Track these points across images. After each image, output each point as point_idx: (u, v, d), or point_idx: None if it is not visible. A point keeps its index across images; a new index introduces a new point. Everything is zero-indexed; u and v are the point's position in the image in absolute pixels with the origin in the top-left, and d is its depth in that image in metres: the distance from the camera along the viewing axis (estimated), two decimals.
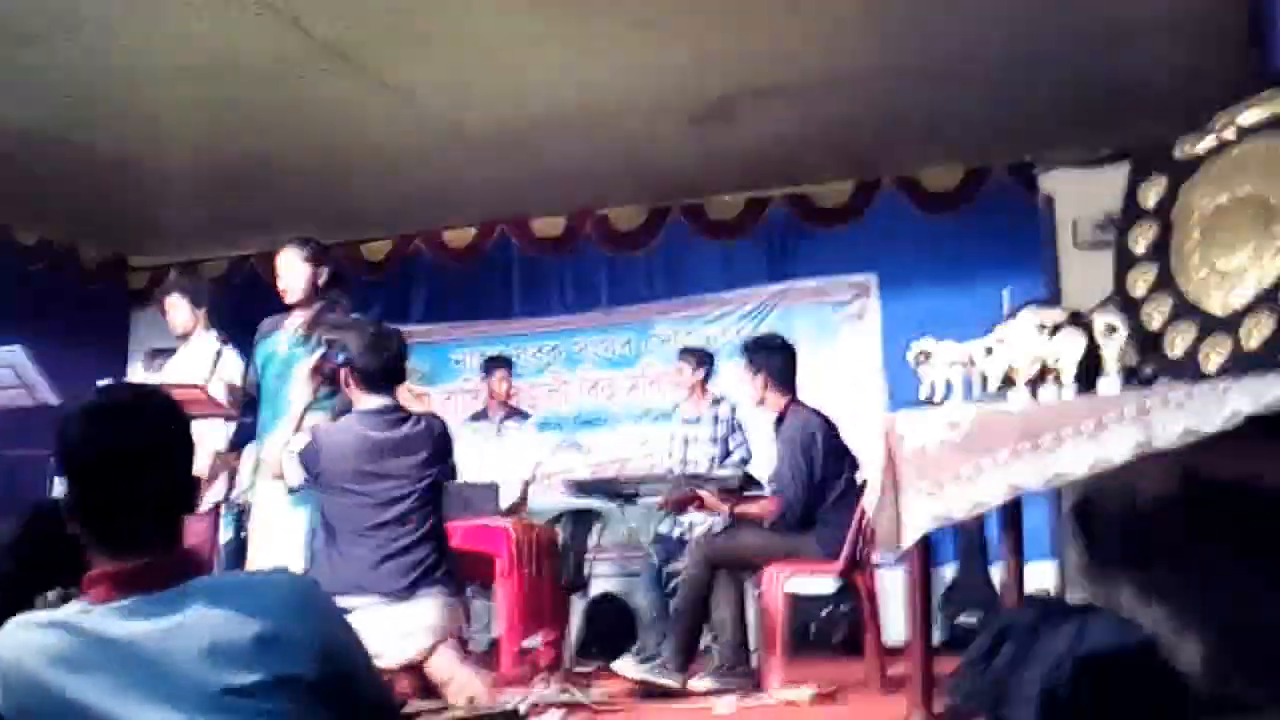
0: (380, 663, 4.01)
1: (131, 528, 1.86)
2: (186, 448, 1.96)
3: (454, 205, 8.48)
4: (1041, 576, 5.70)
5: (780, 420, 5.53)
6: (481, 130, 6.91)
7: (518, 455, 7.37)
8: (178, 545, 1.93)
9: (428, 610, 4.17)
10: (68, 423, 1.91)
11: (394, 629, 4.05)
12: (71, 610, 1.86)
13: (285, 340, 4.92)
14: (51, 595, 2.09)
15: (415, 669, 4.17)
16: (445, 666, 4.13)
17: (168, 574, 1.86)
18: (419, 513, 4.25)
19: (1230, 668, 3.98)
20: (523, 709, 3.74)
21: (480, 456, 7.27)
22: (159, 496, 1.89)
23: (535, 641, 6.08)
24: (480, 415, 7.73)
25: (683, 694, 5.09)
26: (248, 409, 5.04)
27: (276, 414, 4.73)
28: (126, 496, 1.86)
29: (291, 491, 4.45)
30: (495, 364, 7.79)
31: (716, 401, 7.24)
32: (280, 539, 4.66)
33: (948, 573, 7.28)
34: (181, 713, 1.78)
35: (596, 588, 7.89)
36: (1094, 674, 3.48)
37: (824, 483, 5.34)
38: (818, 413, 5.59)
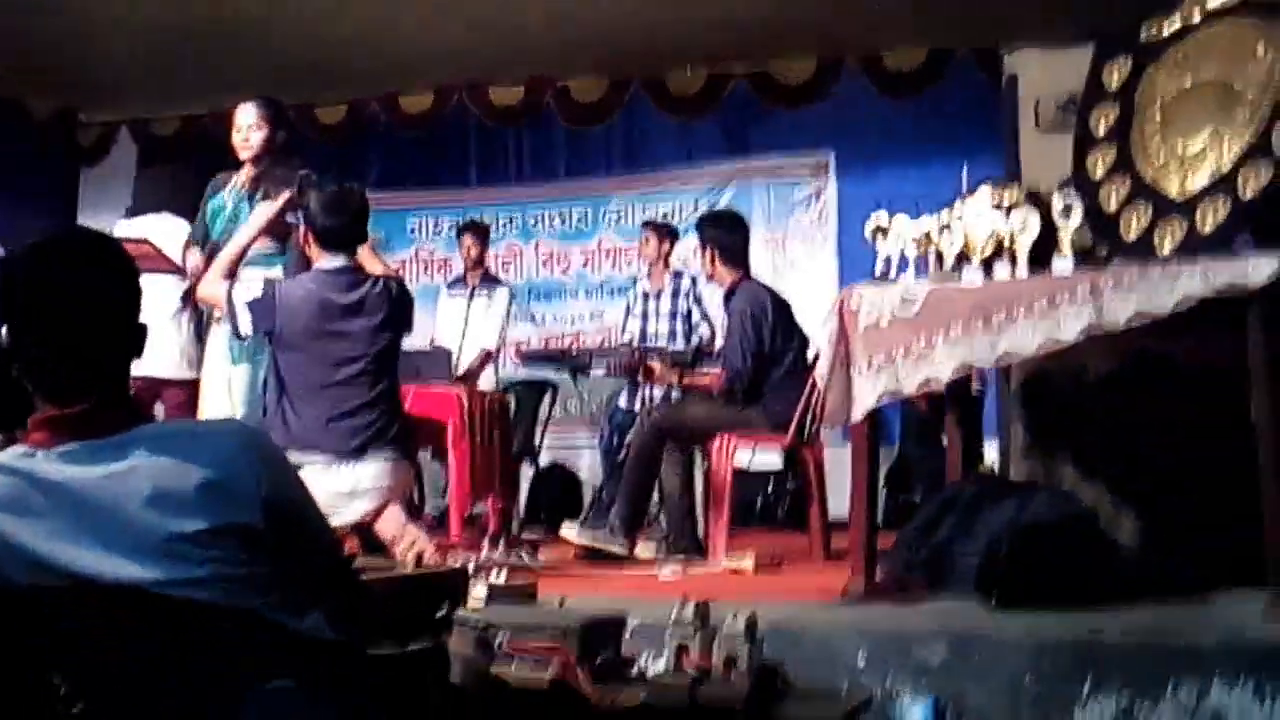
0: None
1: (73, 372, 1.84)
2: (132, 293, 1.93)
3: (411, 70, 8.32)
4: (986, 455, 5.79)
5: (730, 294, 5.53)
6: None
7: (485, 323, 7.34)
8: (122, 391, 1.91)
9: (376, 471, 4.19)
10: (11, 264, 1.88)
11: (342, 489, 4.07)
12: (13, 454, 1.85)
13: (233, 198, 4.85)
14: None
15: (363, 529, 4.20)
16: (393, 525, 4.16)
17: (111, 420, 1.84)
18: (372, 375, 4.23)
19: (1167, 545, 4.07)
20: (470, 570, 3.76)
21: (450, 322, 7.26)
22: (102, 341, 1.86)
23: (483, 508, 6.13)
24: (457, 281, 7.70)
25: (628, 561, 5.15)
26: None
27: None
28: (69, 340, 1.83)
29: (239, 338, 4.42)
30: (465, 229, 7.73)
31: (678, 275, 7.24)
32: (225, 389, 4.64)
33: (894, 452, 7.37)
34: (125, 558, 1.78)
35: (546, 458, 7.94)
36: (1033, 545, 3.56)
37: (773, 357, 5.36)
38: (767, 288, 5.60)
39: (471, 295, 7.43)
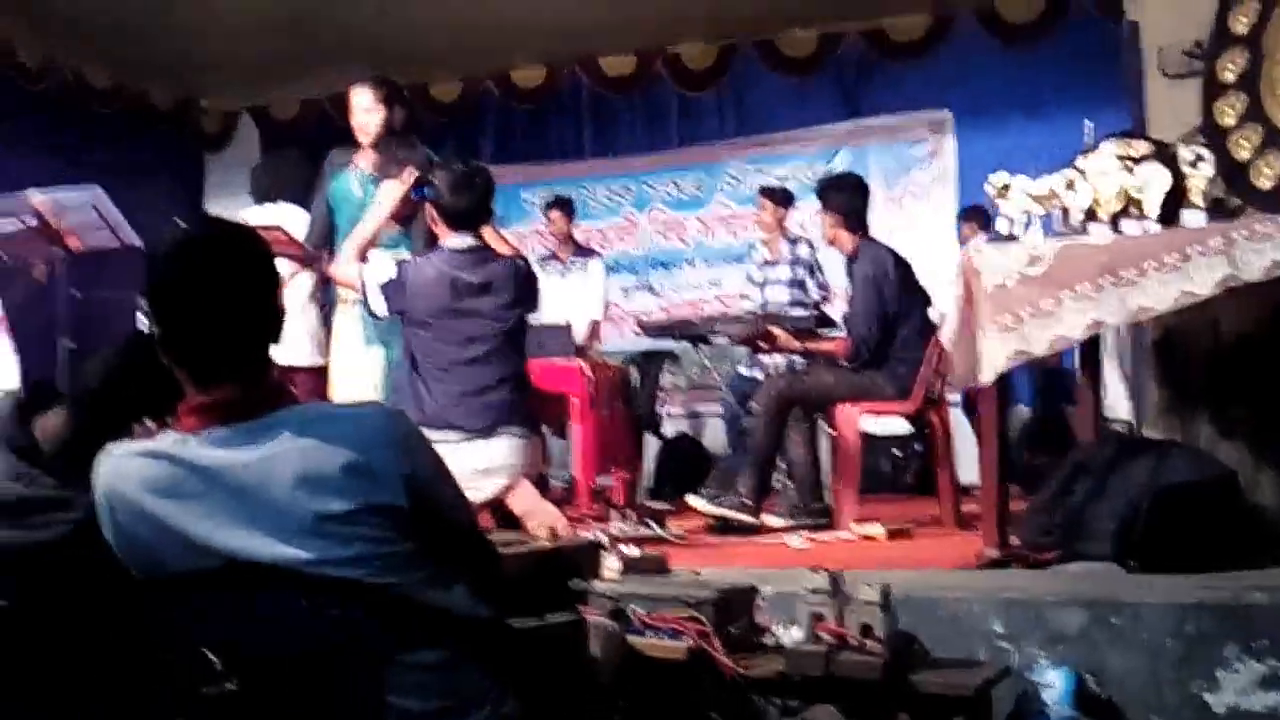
0: None
1: (219, 359, 1.89)
2: (270, 279, 1.98)
3: (523, 45, 8.36)
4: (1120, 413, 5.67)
5: (853, 259, 5.48)
6: None
7: (586, 295, 7.39)
8: (266, 375, 1.96)
9: (508, 449, 4.24)
10: (157, 256, 1.94)
11: (476, 466, 4.12)
12: (167, 440, 1.91)
13: (357, 181, 4.92)
14: (150, 423, 2.14)
15: (497, 505, 4.26)
16: (525, 501, 4.21)
17: (257, 404, 1.89)
18: (500, 352, 4.27)
19: None
20: (603, 543, 3.80)
21: (549, 297, 7.30)
22: (245, 327, 1.91)
23: (609, 480, 6.17)
24: (550, 256, 7.74)
25: (757, 530, 5.15)
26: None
27: None
28: (214, 328, 1.89)
29: (375, 319, 4.50)
30: (551, 205, 7.78)
31: (794, 241, 7.19)
32: (357, 372, 4.72)
33: (1024, 413, 7.25)
34: (276, 539, 1.83)
35: (670, 428, 7.97)
36: (1171, 508, 3.48)
37: (897, 320, 5.30)
38: (890, 250, 5.52)
39: (566, 269, 7.49)
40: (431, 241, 4.52)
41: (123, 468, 1.90)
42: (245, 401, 1.89)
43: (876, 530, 4.82)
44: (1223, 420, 4.18)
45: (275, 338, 1.98)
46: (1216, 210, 3.72)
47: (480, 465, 4.15)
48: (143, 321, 1.95)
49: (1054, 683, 3.03)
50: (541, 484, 4.45)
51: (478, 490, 4.14)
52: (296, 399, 1.99)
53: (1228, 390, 4.20)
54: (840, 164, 8.11)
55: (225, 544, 1.84)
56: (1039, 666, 3.12)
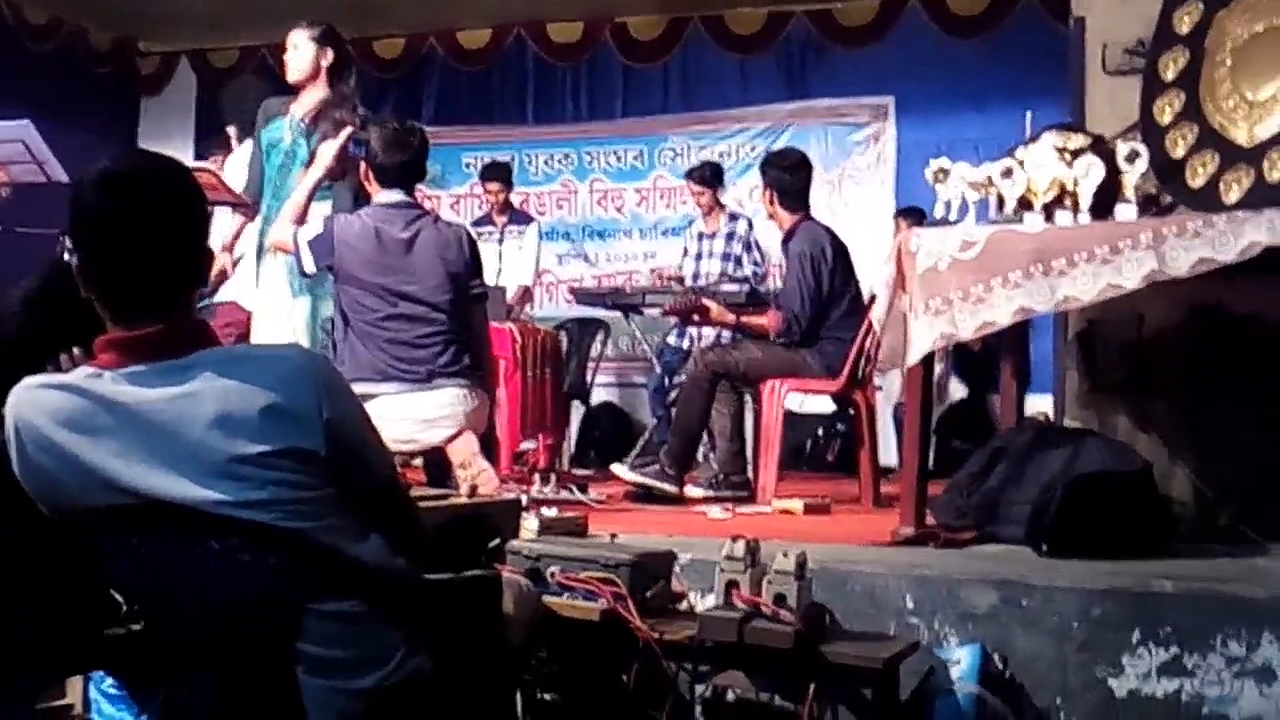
0: (405, 448, 4.16)
1: (140, 293, 1.86)
2: (198, 217, 1.95)
3: (470, 6, 8.29)
4: (1040, 409, 5.75)
5: (789, 236, 5.50)
6: None
7: (520, 260, 7.37)
8: (188, 314, 1.93)
9: (451, 398, 4.22)
10: (81, 186, 1.89)
11: (418, 415, 4.13)
12: (81, 374, 1.87)
13: (289, 129, 4.85)
14: (77, 353, 2.09)
15: (432, 457, 4.27)
16: (463, 453, 4.20)
17: (177, 342, 1.86)
18: (434, 308, 4.23)
19: (1220, 500, 4.04)
20: (522, 503, 3.80)
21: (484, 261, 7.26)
22: (169, 263, 1.88)
23: (533, 444, 6.17)
24: (484, 220, 7.70)
25: (678, 500, 5.17)
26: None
27: (279, 201, 4.67)
28: (136, 261, 1.85)
29: (305, 276, 4.46)
30: (488, 175, 7.74)
31: (734, 218, 7.21)
32: (282, 325, 4.67)
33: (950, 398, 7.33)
34: (189, 479, 1.81)
35: (598, 397, 7.97)
36: (1085, 495, 3.53)
37: (829, 300, 5.33)
38: (828, 230, 5.55)
39: (502, 235, 7.46)
40: (361, 197, 4.48)
41: (35, 400, 1.86)
42: (165, 339, 1.85)
43: (795, 505, 4.86)
44: (1141, 413, 4.26)
45: (200, 277, 1.96)
46: (1148, 206, 3.77)
47: (423, 414, 4.16)
48: (65, 252, 1.90)
49: (961, 659, 3.07)
50: (487, 446, 4.42)
51: (421, 438, 4.16)
52: (219, 340, 1.96)
53: (1147, 384, 4.27)
54: (783, 143, 8.12)
55: (136, 482, 1.81)
56: (947, 643, 3.16)
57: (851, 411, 5.71)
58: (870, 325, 4.65)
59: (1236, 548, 3.68)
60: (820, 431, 7.33)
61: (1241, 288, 3.83)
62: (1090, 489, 3.56)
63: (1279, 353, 4.02)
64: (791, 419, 5.89)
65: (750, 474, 5.43)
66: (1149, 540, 3.56)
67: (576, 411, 7.57)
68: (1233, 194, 3.60)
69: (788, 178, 5.51)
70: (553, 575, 2.90)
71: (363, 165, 4.40)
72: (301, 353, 2.11)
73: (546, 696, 2.95)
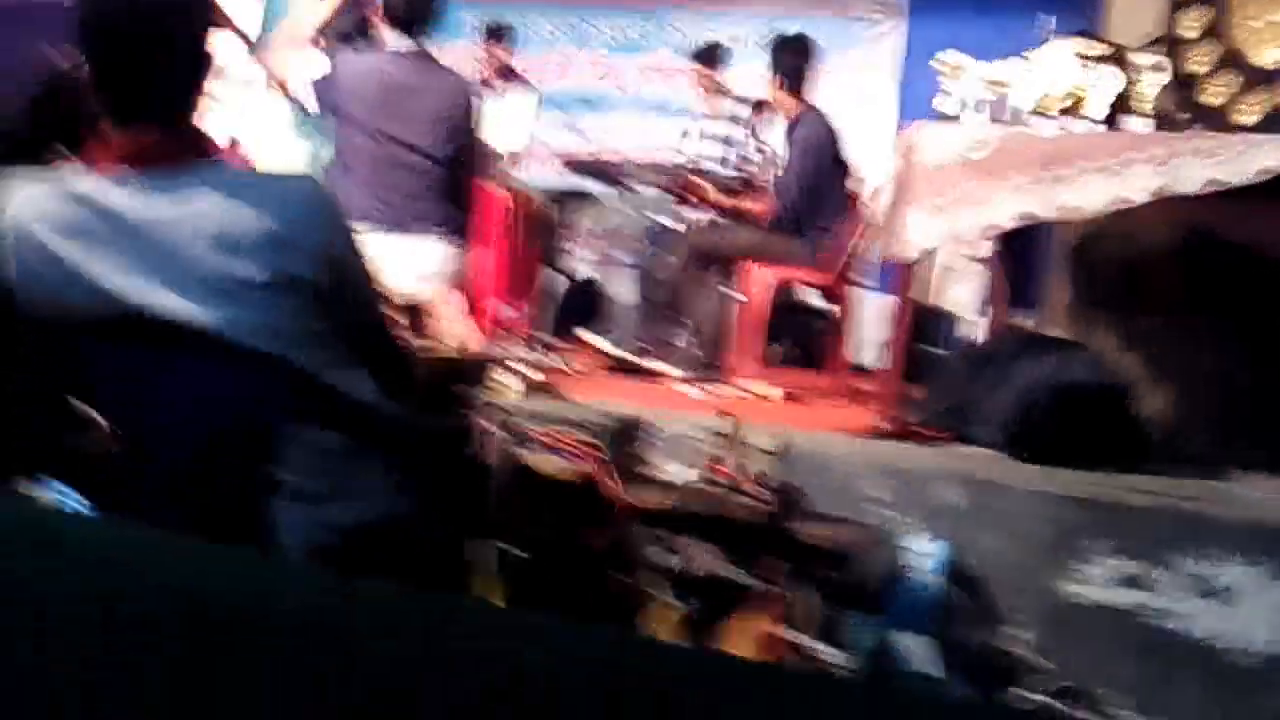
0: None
1: (142, 93, 1.81)
2: (201, 20, 1.90)
3: None
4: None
5: (794, 124, 5.42)
6: None
7: (513, 125, 7.23)
8: (188, 121, 1.88)
9: (441, 256, 4.17)
10: None
11: (407, 268, 4.07)
12: (80, 180, 1.83)
13: None
14: (64, 154, 2.05)
15: (417, 312, 4.22)
16: (451, 312, 4.15)
17: (176, 151, 1.82)
18: (428, 158, 4.16)
19: (1200, 425, 4.06)
20: (497, 359, 3.76)
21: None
22: (172, 62, 1.83)
23: (511, 311, 6.12)
24: (482, 81, 7.53)
25: (653, 376, 5.15)
26: None
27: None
28: (139, 63, 1.80)
29: (306, 115, 4.36)
30: (491, 35, 7.54)
31: (737, 102, 7.08)
32: (281, 159, 4.58)
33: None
34: (186, 296, 1.77)
35: (582, 272, 7.91)
36: (1068, 405, 3.53)
37: (824, 191, 5.27)
38: (830, 122, 5.47)
39: (499, 97, 7.31)
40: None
41: (31, 202, 1.81)
42: (165, 146, 1.82)
43: (774, 392, 4.85)
44: (1128, 331, 4.25)
45: (200, 84, 1.90)
46: (1164, 121, 3.73)
47: (408, 265, 4.09)
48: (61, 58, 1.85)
49: (929, 552, 3.09)
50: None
51: (410, 289, 4.09)
52: (219, 150, 1.91)
53: (1137, 303, 4.26)
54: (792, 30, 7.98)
55: (126, 292, 1.77)
56: (918, 537, 3.18)
57: (833, 304, 5.67)
58: (863, 219, 4.61)
59: (1213, 471, 3.70)
60: (795, 324, 7.29)
61: (1240, 212, 3.80)
62: (1074, 399, 3.56)
63: (1271, 280, 4.01)
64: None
65: (729, 360, 5.41)
66: (1127, 456, 3.57)
67: (559, 284, 7.51)
68: (1249, 116, 3.56)
69: (797, 64, 5.41)
70: (533, 433, 2.89)
71: (376, 7, 4.27)
72: (310, 183, 2.07)
73: (517, 552, 2.95)
